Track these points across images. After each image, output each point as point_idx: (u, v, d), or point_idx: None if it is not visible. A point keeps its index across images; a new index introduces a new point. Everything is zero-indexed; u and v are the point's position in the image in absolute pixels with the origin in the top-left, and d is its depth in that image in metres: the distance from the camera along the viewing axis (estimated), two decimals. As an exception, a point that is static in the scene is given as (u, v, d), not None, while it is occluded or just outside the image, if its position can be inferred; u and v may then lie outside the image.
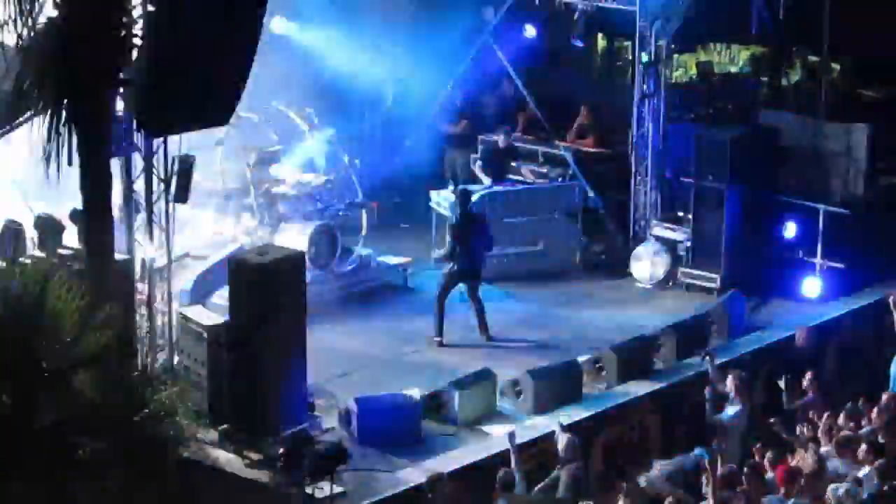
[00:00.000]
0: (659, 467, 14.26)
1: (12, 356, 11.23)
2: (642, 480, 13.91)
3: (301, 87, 19.62)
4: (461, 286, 17.73)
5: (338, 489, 13.77)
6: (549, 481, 14.42)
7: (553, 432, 14.81)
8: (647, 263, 19.57)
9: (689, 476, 13.96)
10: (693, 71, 24.06)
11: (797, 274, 18.97)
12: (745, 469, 13.73)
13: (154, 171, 15.08)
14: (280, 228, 18.46)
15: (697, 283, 19.26)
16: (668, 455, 15.35)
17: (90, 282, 13.54)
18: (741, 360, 16.92)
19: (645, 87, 19.83)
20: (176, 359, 15.27)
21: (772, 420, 15.29)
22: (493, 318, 17.77)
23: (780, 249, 19.39)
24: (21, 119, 13.72)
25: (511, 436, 14.41)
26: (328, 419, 15.14)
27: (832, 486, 13.28)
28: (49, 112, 13.07)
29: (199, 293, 17.05)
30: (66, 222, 15.66)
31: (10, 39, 13.17)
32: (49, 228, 15.61)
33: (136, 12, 13.43)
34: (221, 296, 16.32)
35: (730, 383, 15.67)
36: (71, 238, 15.45)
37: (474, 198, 18.71)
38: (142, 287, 15.11)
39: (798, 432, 14.89)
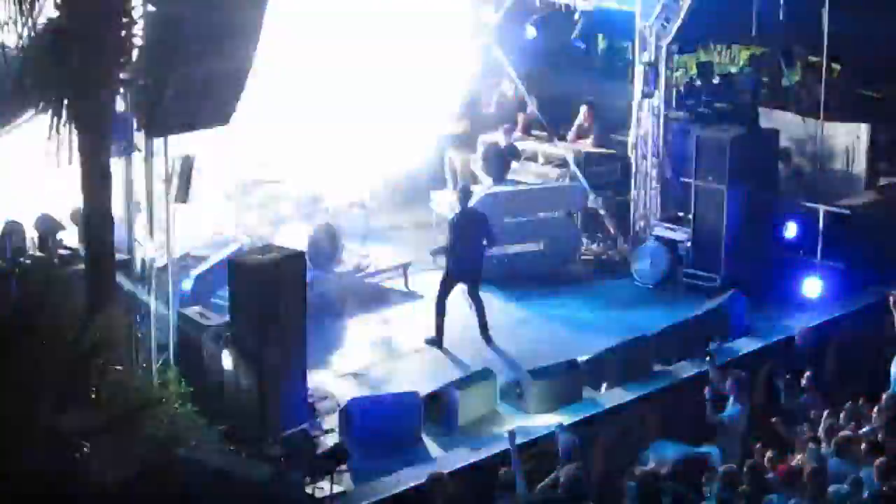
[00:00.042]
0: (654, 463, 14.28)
1: (12, 356, 11.22)
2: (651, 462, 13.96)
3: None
4: (462, 287, 17.71)
5: (338, 489, 13.78)
6: (550, 481, 14.42)
7: (553, 432, 14.82)
8: (647, 263, 19.58)
9: (692, 469, 13.94)
10: (693, 71, 24.07)
11: (797, 274, 18.96)
12: (746, 469, 13.75)
13: (155, 171, 15.07)
14: (280, 228, 18.46)
15: (698, 283, 19.26)
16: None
17: (90, 282, 13.57)
18: (741, 360, 16.92)
19: (645, 87, 19.83)
20: (176, 359, 15.27)
21: (773, 419, 15.30)
22: (494, 318, 17.77)
23: (781, 249, 19.40)
24: (21, 119, 13.73)
25: (511, 436, 14.42)
26: (328, 419, 15.15)
27: (833, 486, 13.30)
28: (49, 112, 13.07)
29: (200, 293, 17.06)
30: (67, 222, 15.68)
31: (10, 39, 13.18)
32: (49, 228, 15.61)
33: (137, 12, 13.42)
34: (221, 296, 16.34)
35: (730, 383, 15.69)
36: (71, 238, 15.47)
37: (475, 198, 18.70)
38: (142, 288, 15.11)
39: (798, 432, 14.91)
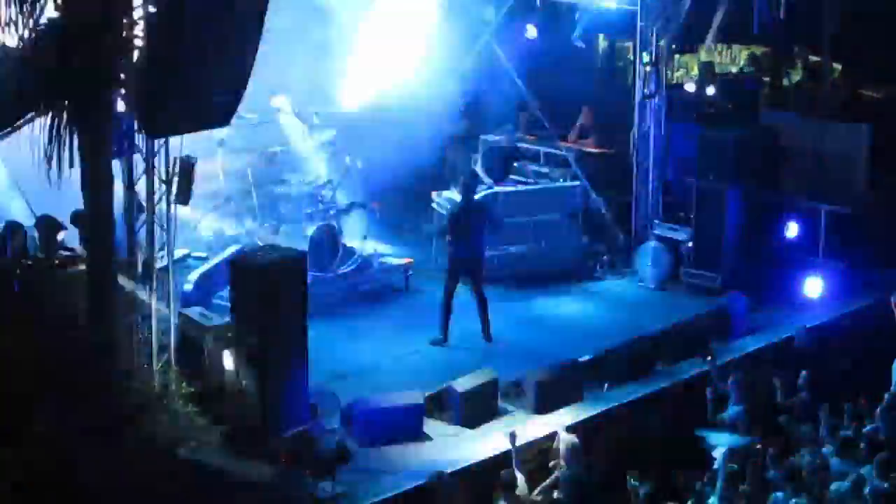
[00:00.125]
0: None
1: (13, 356, 11.25)
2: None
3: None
4: (466, 287, 17.70)
5: (339, 489, 13.77)
6: (550, 482, 14.44)
7: (554, 433, 14.82)
8: (648, 263, 19.58)
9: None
10: (694, 71, 24.08)
11: (798, 274, 18.96)
12: (747, 468, 13.77)
13: (155, 172, 15.08)
14: (281, 229, 18.46)
15: (699, 283, 19.26)
16: (669, 456, 15.40)
17: (91, 283, 13.58)
18: (742, 360, 16.93)
19: (646, 87, 19.84)
20: (177, 360, 15.28)
21: (780, 419, 15.31)
22: (494, 318, 17.76)
23: (782, 249, 19.40)
24: (23, 120, 13.73)
25: (512, 436, 14.43)
26: (330, 420, 15.15)
27: (834, 483, 13.31)
28: (50, 113, 13.08)
29: (201, 294, 17.07)
30: (68, 224, 15.68)
31: (11, 41, 13.18)
32: (50, 230, 15.62)
33: (137, 13, 13.43)
34: (222, 297, 16.35)
35: (731, 384, 15.69)
36: (72, 239, 15.47)
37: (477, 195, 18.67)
38: (143, 288, 15.11)
39: (801, 431, 14.91)
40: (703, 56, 24.04)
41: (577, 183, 20.48)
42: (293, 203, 18.76)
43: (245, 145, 18.96)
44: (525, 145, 21.36)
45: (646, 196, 20.10)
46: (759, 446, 14.51)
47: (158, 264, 15.21)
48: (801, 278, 18.89)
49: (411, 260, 19.37)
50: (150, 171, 15.04)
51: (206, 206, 18.35)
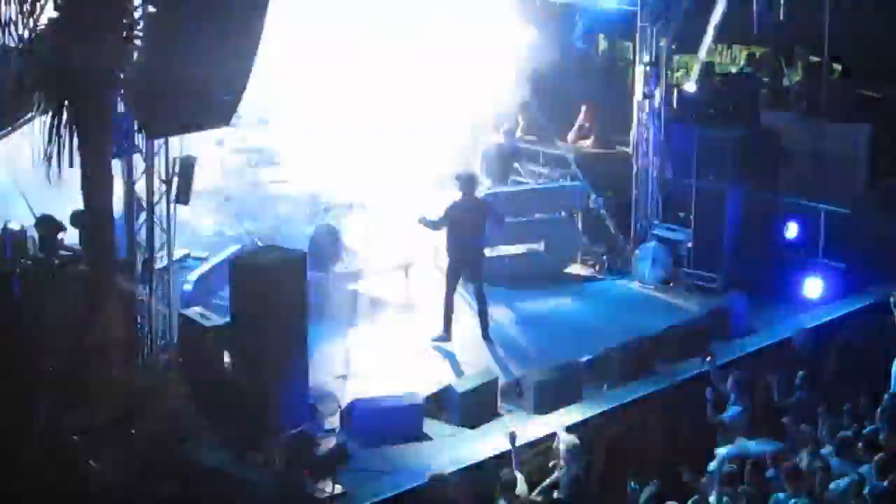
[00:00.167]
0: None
1: (13, 357, 11.25)
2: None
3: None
4: (468, 286, 17.69)
5: (338, 490, 13.77)
6: (551, 482, 14.43)
7: (554, 433, 14.82)
8: (648, 264, 19.58)
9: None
10: (694, 71, 24.04)
11: (798, 274, 18.95)
12: (747, 468, 13.76)
13: (155, 172, 15.08)
14: (281, 229, 18.46)
15: (698, 283, 19.25)
16: (669, 455, 15.40)
17: (91, 283, 13.59)
18: (742, 361, 16.92)
19: (646, 87, 19.83)
20: (177, 360, 15.28)
21: (784, 420, 15.29)
22: (494, 318, 17.76)
23: (781, 250, 19.37)
24: (22, 120, 13.74)
25: (512, 436, 14.42)
26: (329, 420, 15.15)
27: (833, 482, 13.31)
28: (50, 113, 13.08)
29: (201, 294, 17.07)
30: (67, 223, 15.68)
31: (11, 40, 13.18)
32: (50, 230, 15.62)
33: (137, 13, 13.43)
34: (223, 297, 16.34)
35: (731, 384, 15.69)
36: (72, 239, 15.47)
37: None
38: (143, 288, 15.12)
39: (800, 431, 14.91)
40: (704, 56, 24.03)
41: (576, 183, 20.48)
42: (293, 203, 18.75)
43: (245, 145, 18.98)
44: (525, 145, 21.34)
45: (645, 196, 20.09)
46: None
47: (158, 264, 15.21)
48: (800, 279, 18.88)
49: (411, 260, 19.36)
50: (150, 171, 15.04)
51: (207, 206, 18.36)
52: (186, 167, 15.08)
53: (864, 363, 17.30)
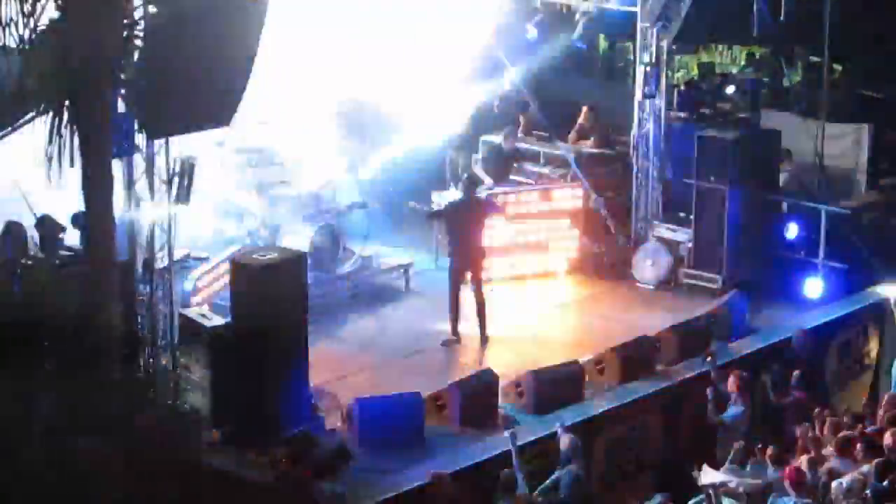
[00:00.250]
0: None
1: (13, 357, 11.23)
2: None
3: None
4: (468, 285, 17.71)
5: (339, 489, 13.77)
6: (551, 482, 14.42)
7: (555, 433, 14.82)
8: (648, 264, 19.58)
9: None
10: (694, 71, 24.09)
11: (799, 274, 18.95)
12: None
13: (156, 172, 15.08)
14: (281, 229, 18.46)
15: (699, 283, 19.25)
16: (670, 456, 15.40)
17: (91, 283, 13.57)
18: (743, 361, 16.91)
19: (646, 87, 19.82)
20: (177, 360, 15.28)
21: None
22: (494, 318, 17.76)
23: (782, 250, 19.38)
24: (23, 120, 13.72)
25: (512, 436, 14.42)
26: (330, 420, 15.15)
27: (836, 481, 13.31)
28: (51, 113, 13.07)
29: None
30: (67, 223, 15.68)
31: (11, 41, 13.17)
32: (50, 230, 15.62)
33: (137, 13, 13.42)
34: (223, 297, 16.33)
35: (731, 384, 15.70)
36: (72, 239, 15.47)
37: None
38: (143, 288, 15.12)
39: (799, 432, 14.91)
40: (703, 56, 24.08)
41: (576, 183, 20.47)
42: (293, 203, 18.74)
43: (246, 145, 18.96)
44: (525, 145, 21.34)
45: (646, 196, 20.09)
46: (759, 446, 14.50)
47: (158, 264, 15.21)
48: (801, 279, 18.87)
49: (411, 260, 19.37)
50: (150, 171, 15.03)
51: (207, 206, 18.34)
52: (186, 167, 15.08)
53: (862, 364, 17.33)
